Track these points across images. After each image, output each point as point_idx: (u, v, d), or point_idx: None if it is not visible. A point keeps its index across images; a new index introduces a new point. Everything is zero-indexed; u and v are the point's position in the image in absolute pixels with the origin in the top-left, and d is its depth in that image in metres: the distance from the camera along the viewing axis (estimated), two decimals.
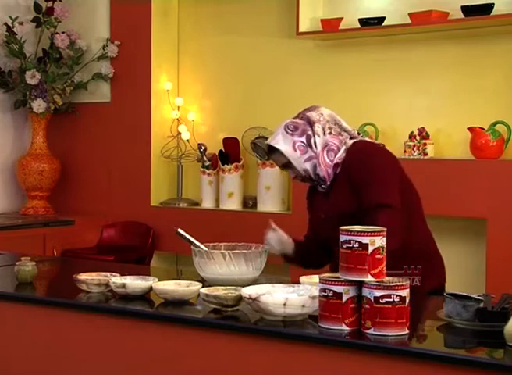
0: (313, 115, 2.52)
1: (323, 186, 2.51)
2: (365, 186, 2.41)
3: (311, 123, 2.50)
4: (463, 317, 1.80)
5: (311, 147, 2.49)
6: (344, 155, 2.47)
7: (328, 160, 2.47)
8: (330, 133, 2.49)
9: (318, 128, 2.49)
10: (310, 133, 2.49)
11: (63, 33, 4.73)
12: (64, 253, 4.36)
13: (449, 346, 1.80)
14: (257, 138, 4.36)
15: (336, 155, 2.47)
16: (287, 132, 2.52)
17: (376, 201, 2.35)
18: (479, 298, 1.84)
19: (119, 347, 2.07)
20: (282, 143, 2.51)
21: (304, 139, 2.50)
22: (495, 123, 3.68)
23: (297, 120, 2.53)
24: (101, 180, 4.87)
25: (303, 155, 2.49)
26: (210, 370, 1.93)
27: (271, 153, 2.56)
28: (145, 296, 2.16)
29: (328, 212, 2.48)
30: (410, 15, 3.83)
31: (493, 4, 3.62)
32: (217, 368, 1.92)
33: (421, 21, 3.78)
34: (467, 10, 3.66)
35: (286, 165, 2.52)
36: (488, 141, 3.65)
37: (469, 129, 3.69)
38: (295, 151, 2.49)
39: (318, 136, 2.48)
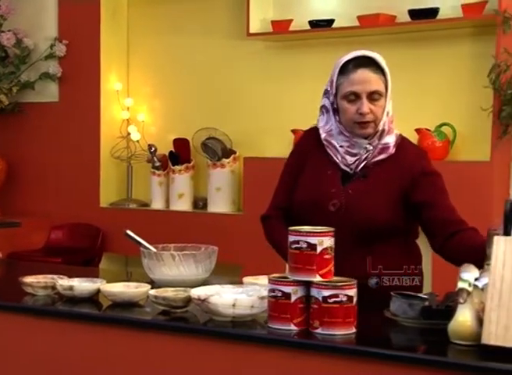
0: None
1: (362, 161, 2.12)
2: (438, 204, 2.11)
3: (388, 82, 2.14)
4: (408, 315, 1.83)
5: (390, 103, 2.15)
6: (393, 141, 2.15)
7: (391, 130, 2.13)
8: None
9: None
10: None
11: (9, 31, 4.66)
12: (10, 256, 4.28)
13: (394, 344, 1.82)
14: (207, 139, 4.36)
15: (387, 134, 2.14)
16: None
17: (460, 217, 2.14)
18: (424, 296, 1.88)
19: (66, 350, 2.04)
20: (387, 70, 2.11)
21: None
22: (441, 125, 3.75)
23: None
24: (49, 181, 4.80)
25: (388, 103, 2.13)
26: (159, 372, 1.92)
27: (361, 67, 2.09)
28: (93, 298, 2.14)
29: (353, 213, 2.11)
30: (359, 17, 3.88)
31: (438, 8, 3.69)
32: (166, 369, 1.91)
33: (370, 24, 3.84)
34: (414, 14, 3.73)
35: (374, 97, 2.10)
36: (435, 143, 3.73)
37: (416, 130, 3.76)
38: (389, 88, 2.13)
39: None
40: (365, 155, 2.15)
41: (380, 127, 2.14)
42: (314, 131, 2.27)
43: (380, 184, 2.14)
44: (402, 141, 2.20)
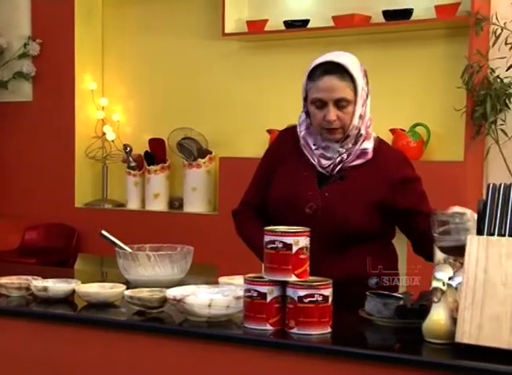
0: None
1: (337, 165, 2.11)
2: (422, 210, 2.10)
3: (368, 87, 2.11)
4: (383, 315, 1.85)
5: (366, 106, 2.11)
6: (371, 145, 2.13)
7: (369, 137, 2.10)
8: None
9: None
10: (368, 93, 2.10)
11: None
12: None
13: (369, 343, 1.84)
14: (183, 139, 4.35)
15: (365, 140, 2.11)
16: (360, 69, 2.08)
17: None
18: (399, 296, 1.89)
19: (41, 351, 2.03)
20: (357, 75, 2.04)
21: (367, 90, 2.10)
22: (415, 125, 3.78)
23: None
24: (24, 181, 4.76)
25: (362, 106, 2.08)
26: (134, 372, 1.92)
27: (327, 74, 2.04)
28: (68, 299, 2.13)
29: (327, 217, 2.10)
30: (334, 18, 3.90)
31: (412, 9, 3.73)
32: (141, 370, 1.90)
33: (344, 24, 3.86)
34: (388, 15, 3.76)
35: (341, 104, 2.05)
36: (409, 143, 3.76)
37: (390, 130, 3.79)
38: (358, 94, 2.06)
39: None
40: (339, 159, 2.15)
41: (352, 132, 2.12)
42: (290, 131, 2.26)
43: (357, 187, 2.14)
44: (379, 145, 2.19)
